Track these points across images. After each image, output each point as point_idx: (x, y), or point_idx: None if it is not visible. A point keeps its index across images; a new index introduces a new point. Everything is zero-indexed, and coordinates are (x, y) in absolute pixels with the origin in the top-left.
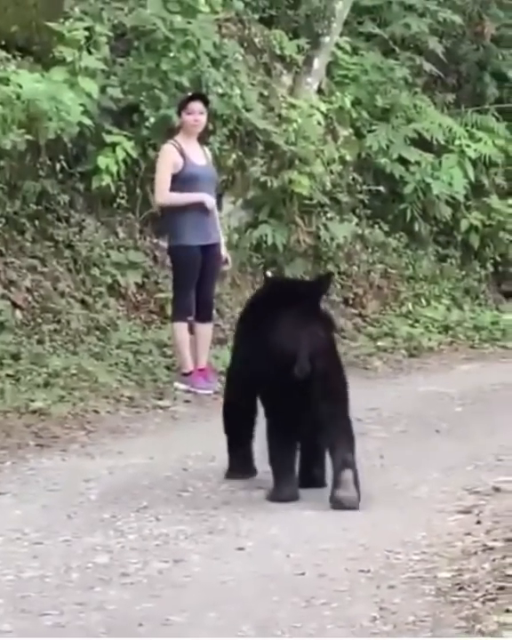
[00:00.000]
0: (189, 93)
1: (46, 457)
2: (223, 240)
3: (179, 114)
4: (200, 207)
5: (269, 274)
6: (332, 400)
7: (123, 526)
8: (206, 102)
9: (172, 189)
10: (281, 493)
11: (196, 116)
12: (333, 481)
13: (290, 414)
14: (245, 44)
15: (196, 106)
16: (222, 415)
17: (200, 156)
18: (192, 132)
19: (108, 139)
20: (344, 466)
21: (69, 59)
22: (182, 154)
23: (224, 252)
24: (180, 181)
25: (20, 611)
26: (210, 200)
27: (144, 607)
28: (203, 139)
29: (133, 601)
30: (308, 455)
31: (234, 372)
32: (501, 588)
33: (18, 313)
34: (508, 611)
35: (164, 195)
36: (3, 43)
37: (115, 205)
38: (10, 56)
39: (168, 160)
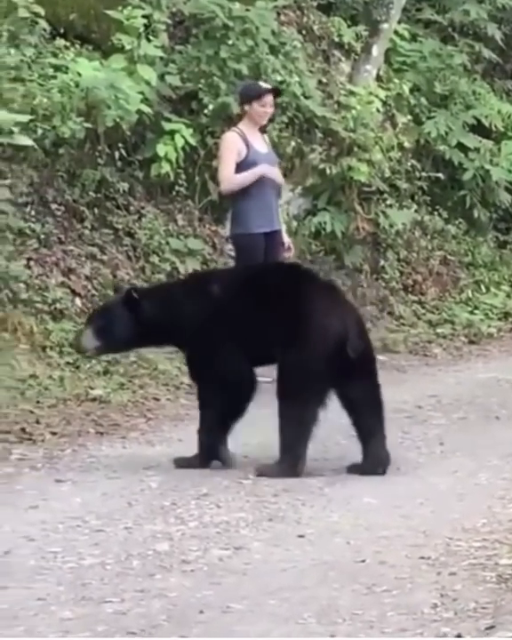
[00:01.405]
0: (266, 85)
1: (106, 444)
2: (283, 227)
3: (246, 102)
4: (265, 194)
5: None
6: (374, 377)
7: (183, 514)
8: (279, 94)
9: None
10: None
11: (268, 108)
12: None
13: (325, 396)
14: (304, 32)
15: (270, 98)
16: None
17: (262, 144)
18: (259, 123)
19: (167, 126)
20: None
21: (128, 46)
22: (246, 141)
23: (286, 238)
24: (243, 169)
25: (80, 598)
26: (271, 170)
27: (204, 594)
28: (264, 127)
29: (194, 588)
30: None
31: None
32: None
33: (77, 300)
34: None
35: (230, 181)
36: (62, 31)
37: (174, 193)
38: (69, 44)
39: (232, 148)
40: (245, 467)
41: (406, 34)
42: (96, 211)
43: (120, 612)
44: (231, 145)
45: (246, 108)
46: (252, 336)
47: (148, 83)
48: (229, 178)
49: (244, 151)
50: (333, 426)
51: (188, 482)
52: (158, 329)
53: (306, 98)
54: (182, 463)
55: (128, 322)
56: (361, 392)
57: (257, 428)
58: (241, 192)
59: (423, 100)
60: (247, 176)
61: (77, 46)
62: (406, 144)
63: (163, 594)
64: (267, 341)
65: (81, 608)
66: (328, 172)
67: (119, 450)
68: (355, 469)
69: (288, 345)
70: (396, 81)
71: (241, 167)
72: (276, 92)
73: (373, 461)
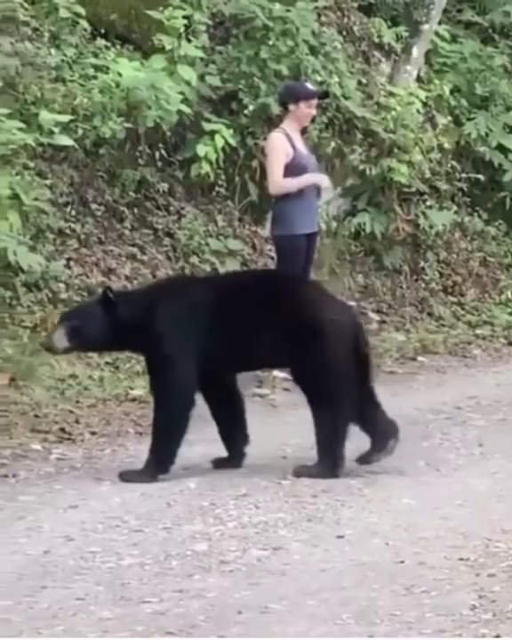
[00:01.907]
0: (314, 87)
1: (145, 444)
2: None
3: (293, 102)
4: (309, 195)
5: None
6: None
7: (222, 514)
8: (326, 96)
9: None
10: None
11: (313, 109)
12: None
13: (353, 393)
14: (344, 32)
15: (316, 100)
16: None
17: (304, 146)
18: (302, 123)
19: (207, 127)
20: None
21: (168, 47)
22: (291, 142)
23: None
24: (290, 171)
25: (119, 598)
26: (325, 180)
27: (243, 595)
28: (305, 128)
29: (232, 588)
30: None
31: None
32: None
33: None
34: None
35: (280, 185)
36: (103, 31)
37: (213, 193)
38: (109, 44)
39: (280, 149)
40: (284, 467)
41: (447, 35)
42: (136, 211)
43: (159, 612)
44: (279, 146)
45: (292, 107)
46: (240, 343)
47: (188, 83)
48: (279, 181)
49: (292, 152)
50: None
51: (226, 482)
52: (131, 332)
53: (346, 98)
54: (128, 477)
55: (102, 323)
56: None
57: (294, 429)
58: (284, 193)
59: (463, 102)
60: (298, 182)
61: (118, 46)
62: (446, 145)
63: (201, 594)
64: (261, 347)
65: (120, 608)
66: (368, 172)
67: None
68: (366, 458)
69: (302, 348)
70: (437, 82)
71: (288, 169)
72: (324, 95)
73: (382, 438)
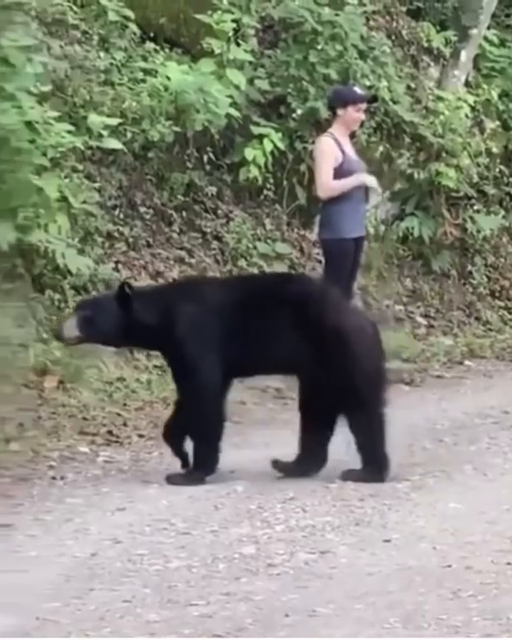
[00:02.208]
0: (363, 91)
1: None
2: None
3: (342, 106)
4: (356, 199)
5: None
6: None
7: (269, 517)
8: (374, 101)
9: None
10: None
11: (362, 114)
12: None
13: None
14: (393, 37)
15: (365, 104)
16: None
17: (352, 150)
18: (351, 128)
19: (256, 130)
20: None
21: (217, 50)
22: (340, 147)
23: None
24: (339, 175)
25: (166, 600)
26: (372, 180)
27: (290, 598)
28: (354, 132)
29: (280, 592)
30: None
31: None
32: None
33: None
34: None
35: (329, 188)
36: (151, 34)
37: (262, 197)
38: (158, 48)
39: (329, 153)
40: (332, 471)
41: (495, 39)
42: (184, 214)
43: (206, 614)
44: (328, 150)
45: (340, 112)
46: (259, 346)
47: (237, 87)
48: (327, 184)
49: (341, 157)
50: (420, 430)
51: (274, 486)
52: (146, 331)
53: (394, 103)
54: (176, 480)
55: (115, 317)
56: None
57: (343, 432)
58: (332, 197)
59: None
60: (346, 183)
61: (167, 50)
62: (494, 149)
63: (248, 597)
64: (281, 351)
65: (167, 611)
66: (416, 177)
67: None
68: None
69: (329, 353)
70: (485, 86)
71: (336, 173)
72: (373, 100)
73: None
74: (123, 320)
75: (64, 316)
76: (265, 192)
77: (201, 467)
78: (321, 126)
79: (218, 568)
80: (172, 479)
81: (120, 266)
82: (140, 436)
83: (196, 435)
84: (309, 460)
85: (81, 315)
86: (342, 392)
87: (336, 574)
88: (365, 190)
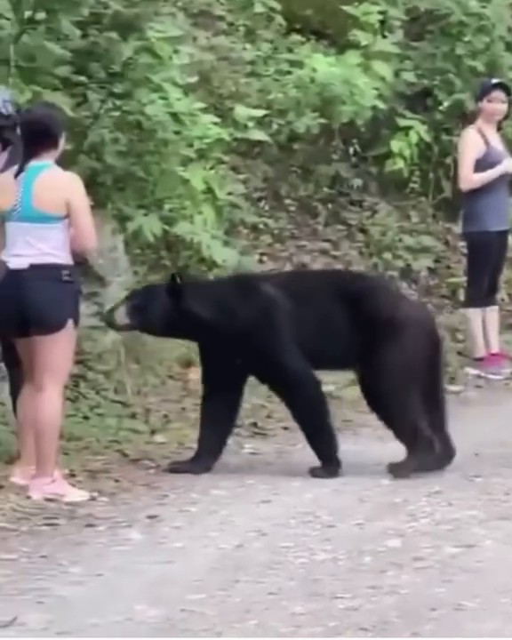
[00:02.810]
0: (492, 81)
1: (339, 440)
2: None
3: (479, 99)
4: (500, 192)
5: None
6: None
7: (415, 511)
8: (508, 91)
9: None
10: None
11: (497, 104)
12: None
13: None
14: None
15: (498, 94)
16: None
17: (499, 142)
18: (491, 120)
19: (402, 123)
20: None
21: (364, 42)
22: (484, 139)
23: None
24: (483, 167)
25: (312, 593)
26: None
27: (436, 592)
28: (500, 124)
29: (426, 585)
30: None
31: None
32: None
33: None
34: None
35: (469, 180)
36: (298, 26)
37: (407, 189)
38: (304, 39)
39: (472, 146)
40: (478, 465)
41: None
42: (329, 206)
43: (351, 608)
44: (471, 143)
45: (480, 104)
46: (313, 341)
47: (383, 79)
48: (468, 176)
49: (484, 149)
50: None
51: (419, 479)
52: (196, 324)
53: None
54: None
55: (165, 308)
56: None
57: (488, 425)
58: (476, 189)
59: None
60: (487, 175)
61: (313, 42)
62: None
63: (394, 590)
64: (333, 346)
65: (312, 603)
66: None
67: (350, 446)
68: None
69: (379, 347)
70: None
71: (480, 165)
72: (504, 88)
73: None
74: (172, 312)
75: (116, 303)
76: (410, 184)
77: (326, 460)
78: (466, 118)
79: (363, 561)
80: (314, 472)
81: (265, 258)
82: (285, 428)
83: (309, 428)
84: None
85: (131, 303)
86: (385, 387)
87: (483, 568)
88: (510, 183)
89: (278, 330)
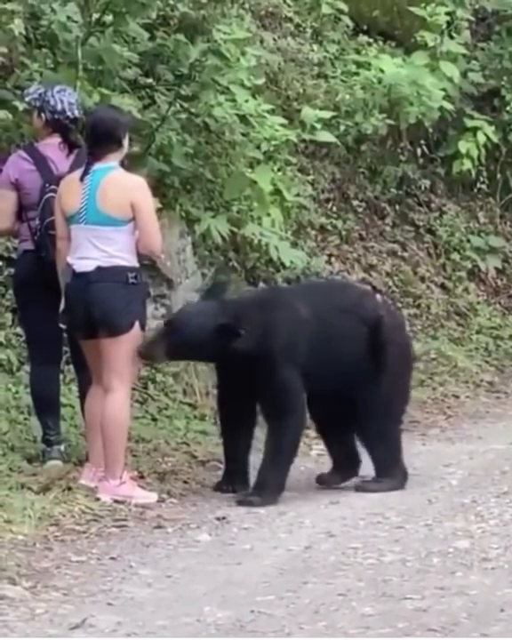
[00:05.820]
0: None
1: (406, 441)
2: None
3: None
4: None
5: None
6: None
7: (483, 511)
8: None
9: None
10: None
11: None
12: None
13: None
14: None
15: None
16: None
17: None
18: None
19: (469, 123)
20: None
21: (431, 43)
22: None
23: None
24: None
25: (381, 594)
26: None
27: (506, 593)
28: None
29: (495, 586)
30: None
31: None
32: None
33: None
34: None
35: None
36: (365, 27)
37: (475, 190)
38: (371, 40)
39: None
40: None
41: None
42: (397, 207)
43: (420, 609)
44: None
45: None
46: (327, 363)
47: (450, 80)
48: None
49: None
50: None
51: (488, 480)
52: (242, 355)
53: None
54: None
55: (214, 347)
56: None
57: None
58: None
59: None
60: None
61: (380, 43)
62: None
63: (463, 591)
64: (347, 369)
65: (381, 604)
66: None
67: (419, 447)
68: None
69: (393, 372)
70: None
71: None
72: None
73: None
74: (221, 350)
75: (153, 336)
76: (478, 185)
77: (268, 487)
78: None
79: (432, 562)
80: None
81: (333, 259)
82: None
83: (277, 452)
84: None
85: (174, 340)
86: (388, 409)
87: None
88: None
89: (287, 358)
